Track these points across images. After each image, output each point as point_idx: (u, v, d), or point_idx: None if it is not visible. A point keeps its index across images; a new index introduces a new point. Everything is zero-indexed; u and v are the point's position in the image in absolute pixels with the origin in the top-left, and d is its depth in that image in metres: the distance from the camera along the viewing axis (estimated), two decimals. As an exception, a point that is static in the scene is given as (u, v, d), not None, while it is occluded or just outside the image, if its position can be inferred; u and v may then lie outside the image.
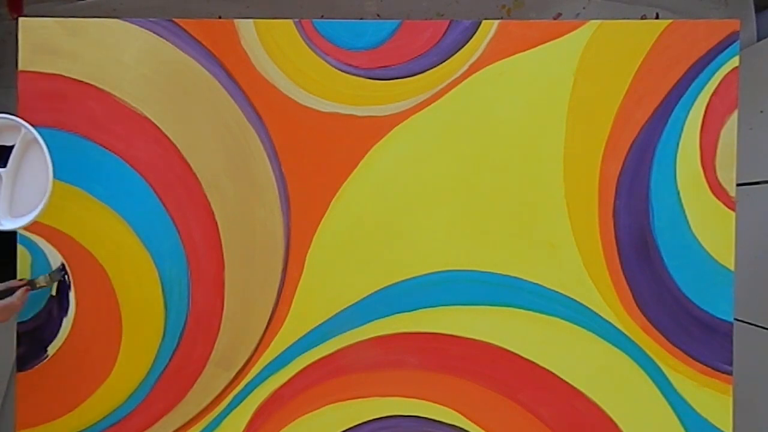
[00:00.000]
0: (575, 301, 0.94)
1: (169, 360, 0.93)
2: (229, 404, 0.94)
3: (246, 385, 0.94)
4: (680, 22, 0.93)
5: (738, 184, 0.93)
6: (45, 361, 0.92)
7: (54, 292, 0.92)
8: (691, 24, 0.93)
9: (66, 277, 0.92)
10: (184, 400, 0.94)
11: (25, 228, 0.85)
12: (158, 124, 0.93)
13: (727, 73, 0.93)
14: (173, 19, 0.93)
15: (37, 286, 0.87)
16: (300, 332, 0.94)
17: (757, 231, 1.21)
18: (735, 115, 0.93)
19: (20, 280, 0.87)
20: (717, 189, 0.93)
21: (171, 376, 0.93)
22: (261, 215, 0.94)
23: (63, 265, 0.92)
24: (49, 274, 0.89)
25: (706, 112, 0.93)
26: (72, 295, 0.92)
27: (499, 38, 0.93)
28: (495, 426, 0.95)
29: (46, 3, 1.48)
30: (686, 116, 0.93)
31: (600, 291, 0.94)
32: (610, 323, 0.93)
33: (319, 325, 0.94)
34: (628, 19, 1.44)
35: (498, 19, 1.45)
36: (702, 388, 0.93)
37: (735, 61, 0.92)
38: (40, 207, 0.81)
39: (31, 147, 0.84)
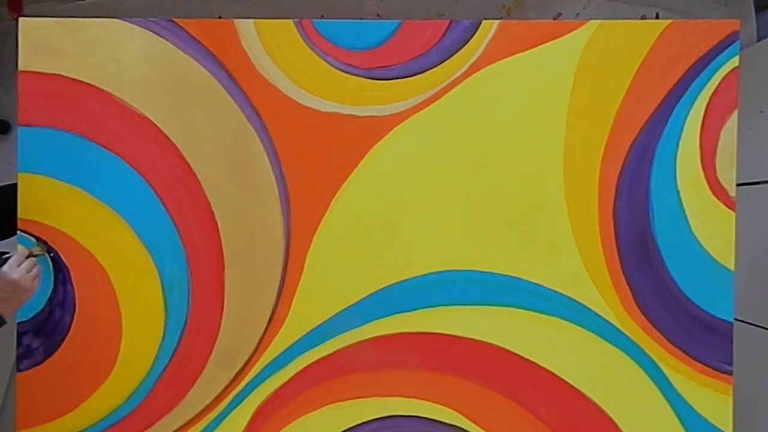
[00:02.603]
0: (575, 301, 0.94)
1: (169, 360, 0.93)
2: (229, 404, 0.94)
3: (246, 385, 0.94)
4: (680, 22, 0.93)
5: (738, 184, 0.93)
6: (45, 361, 0.92)
7: (52, 286, 0.92)
8: (691, 24, 0.93)
9: (57, 260, 0.92)
10: (184, 400, 0.94)
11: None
12: (158, 124, 0.93)
13: (727, 73, 0.93)
14: (173, 19, 0.93)
15: (33, 253, 0.88)
16: (300, 332, 0.94)
17: (757, 231, 1.21)
18: (735, 115, 0.93)
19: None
20: (717, 189, 0.93)
21: (171, 376, 0.93)
22: (261, 215, 0.94)
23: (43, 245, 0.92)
24: (38, 245, 0.91)
25: (706, 112, 0.93)
26: (72, 295, 0.92)
27: (499, 38, 0.93)
28: (495, 426, 0.95)
29: (46, 3, 1.48)
30: (686, 116, 0.93)
31: (600, 291, 0.94)
32: (610, 323, 0.93)
33: (319, 325, 0.94)
34: (628, 19, 1.44)
35: (498, 19, 1.45)
36: (702, 388, 0.93)
37: (735, 61, 0.92)
38: None
39: None
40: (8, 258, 0.82)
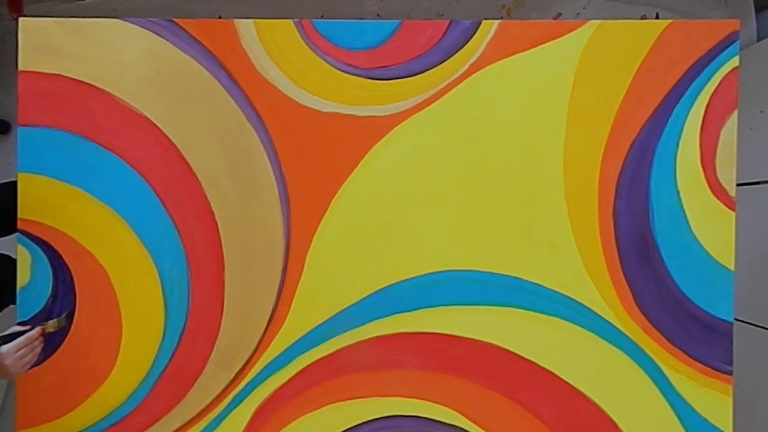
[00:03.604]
0: (575, 301, 0.94)
1: (169, 360, 0.93)
2: (229, 404, 0.94)
3: (246, 385, 0.94)
4: (680, 22, 0.93)
5: (738, 184, 0.93)
6: (45, 361, 0.92)
7: (53, 286, 0.92)
8: (691, 24, 0.93)
9: (71, 318, 0.92)
10: (184, 400, 0.94)
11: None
12: (158, 124, 0.93)
13: (727, 73, 0.93)
14: (173, 19, 0.93)
15: (47, 331, 0.87)
16: (300, 332, 0.94)
17: (757, 231, 1.21)
18: (735, 115, 0.93)
19: (26, 324, 0.86)
20: (717, 189, 0.93)
21: (171, 376, 0.93)
22: (261, 215, 0.94)
23: (70, 311, 0.92)
24: (57, 320, 0.90)
25: (706, 112, 0.93)
26: (72, 295, 0.92)
27: (499, 38, 0.93)
28: (495, 426, 0.95)
29: (46, 3, 1.48)
30: (686, 116, 0.93)
31: (600, 291, 0.93)
32: (610, 323, 0.93)
33: (319, 325, 0.94)
34: (628, 19, 1.44)
35: (498, 19, 1.45)
36: (702, 388, 0.93)
37: (735, 61, 0.92)
38: None
39: None
40: (16, 335, 0.81)
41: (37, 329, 0.84)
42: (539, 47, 0.93)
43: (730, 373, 0.93)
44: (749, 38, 1.39)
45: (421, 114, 0.94)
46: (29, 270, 0.92)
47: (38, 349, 0.85)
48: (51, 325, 0.88)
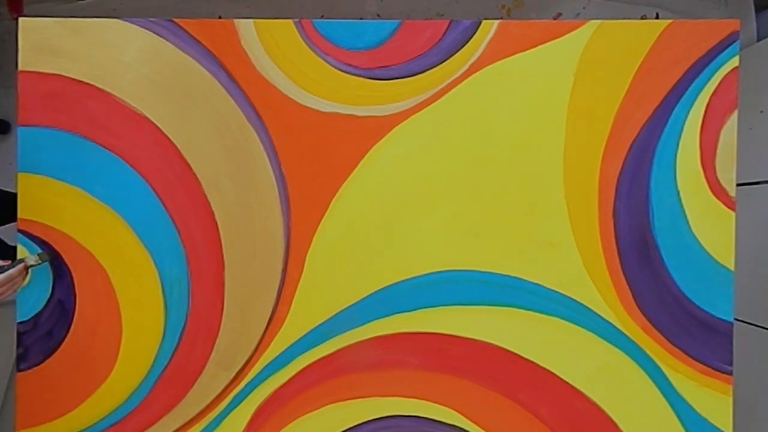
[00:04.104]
0: (575, 301, 0.94)
1: (169, 360, 0.93)
2: (229, 404, 0.94)
3: (246, 385, 0.94)
4: (680, 22, 0.93)
5: (738, 184, 0.93)
6: (45, 361, 0.92)
7: (52, 286, 0.92)
8: (691, 24, 0.93)
9: (58, 260, 0.92)
10: (184, 400, 0.94)
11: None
12: (158, 124, 0.93)
13: (727, 73, 0.93)
14: (173, 19, 0.93)
15: (28, 265, 0.88)
16: (300, 332, 0.94)
17: (757, 231, 1.21)
18: (735, 115, 0.93)
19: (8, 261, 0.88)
20: (717, 189, 0.93)
21: (171, 376, 0.93)
22: (261, 215, 0.94)
23: (51, 251, 0.92)
24: (39, 255, 0.90)
25: (706, 112, 0.93)
26: (72, 295, 0.92)
27: (499, 38, 0.93)
28: (495, 426, 0.95)
29: (46, 3, 1.48)
30: (686, 116, 0.93)
31: (600, 291, 0.94)
32: (610, 323, 0.93)
33: (319, 325, 0.94)
34: (628, 19, 1.44)
35: (498, 19, 1.46)
36: (702, 388, 0.93)
37: (735, 61, 0.92)
38: None
39: None
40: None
41: (19, 266, 0.86)
42: (539, 47, 0.93)
43: (730, 373, 0.93)
44: (749, 38, 1.39)
45: (421, 114, 0.94)
46: (29, 270, 0.92)
47: (18, 285, 0.87)
48: (32, 258, 0.89)
